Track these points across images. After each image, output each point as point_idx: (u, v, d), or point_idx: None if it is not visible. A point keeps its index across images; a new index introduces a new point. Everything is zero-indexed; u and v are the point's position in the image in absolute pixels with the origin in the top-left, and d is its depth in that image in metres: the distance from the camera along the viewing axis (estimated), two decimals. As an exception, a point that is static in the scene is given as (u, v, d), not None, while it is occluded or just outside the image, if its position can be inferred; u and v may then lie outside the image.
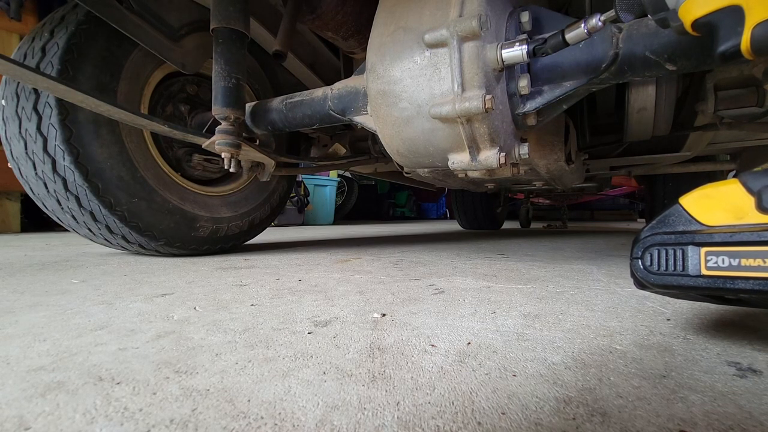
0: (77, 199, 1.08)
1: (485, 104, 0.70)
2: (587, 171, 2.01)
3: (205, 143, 1.10)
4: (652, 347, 0.46)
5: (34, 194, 1.15)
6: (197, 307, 0.65)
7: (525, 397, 0.34)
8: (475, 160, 0.81)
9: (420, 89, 0.78)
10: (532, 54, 0.69)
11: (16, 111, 1.05)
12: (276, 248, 1.65)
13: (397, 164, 1.02)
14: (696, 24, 0.50)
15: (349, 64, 1.50)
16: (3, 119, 1.09)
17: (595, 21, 0.62)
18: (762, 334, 0.51)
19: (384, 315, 0.60)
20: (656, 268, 0.41)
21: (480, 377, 0.38)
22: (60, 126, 1.01)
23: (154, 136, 1.24)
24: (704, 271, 0.39)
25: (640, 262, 0.43)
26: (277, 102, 1.11)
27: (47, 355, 0.43)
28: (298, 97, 1.07)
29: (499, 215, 3.45)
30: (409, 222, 5.99)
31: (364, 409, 0.32)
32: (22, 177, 1.13)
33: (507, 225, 4.39)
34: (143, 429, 0.29)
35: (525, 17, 0.78)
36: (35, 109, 1.03)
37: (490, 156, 0.79)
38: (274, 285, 0.84)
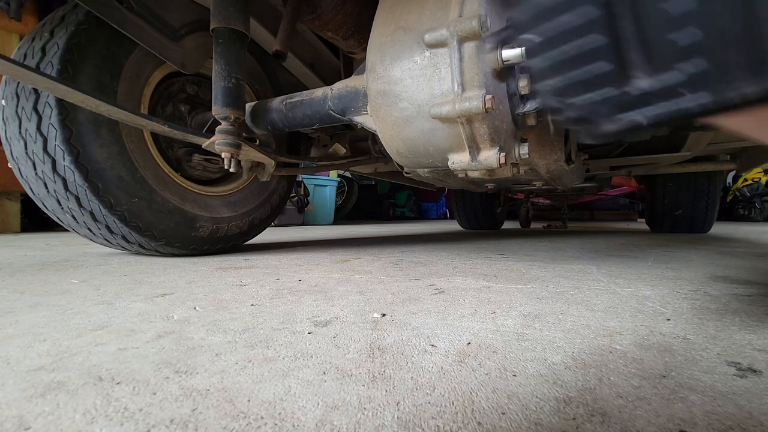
0: (77, 199, 1.07)
1: (485, 104, 0.70)
2: (587, 171, 2.01)
3: (205, 143, 1.10)
4: (652, 347, 0.46)
5: (34, 194, 1.14)
6: (197, 307, 0.65)
7: (525, 397, 0.34)
8: (475, 160, 0.81)
9: (420, 89, 0.78)
10: (533, 54, 0.69)
11: (16, 111, 1.05)
12: (276, 248, 1.65)
13: (397, 164, 1.02)
14: None
15: (349, 64, 1.50)
16: (3, 119, 1.08)
17: None
18: (762, 334, 0.51)
19: (384, 315, 0.60)
20: None
21: (480, 377, 0.38)
22: (60, 126, 1.01)
23: (154, 136, 1.24)
24: None
25: None
26: (277, 102, 1.11)
27: (47, 355, 0.43)
28: (298, 97, 1.07)
29: (499, 215, 3.45)
30: (409, 222, 5.99)
31: (364, 409, 0.32)
32: (22, 177, 1.13)
33: (507, 225, 4.39)
34: (143, 429, 0.29)
35: (525, 17, 0.78)
36: (35, 109, 1.03)
37: (490, 156, 0.79)
38: (274, 285, 0.84)
